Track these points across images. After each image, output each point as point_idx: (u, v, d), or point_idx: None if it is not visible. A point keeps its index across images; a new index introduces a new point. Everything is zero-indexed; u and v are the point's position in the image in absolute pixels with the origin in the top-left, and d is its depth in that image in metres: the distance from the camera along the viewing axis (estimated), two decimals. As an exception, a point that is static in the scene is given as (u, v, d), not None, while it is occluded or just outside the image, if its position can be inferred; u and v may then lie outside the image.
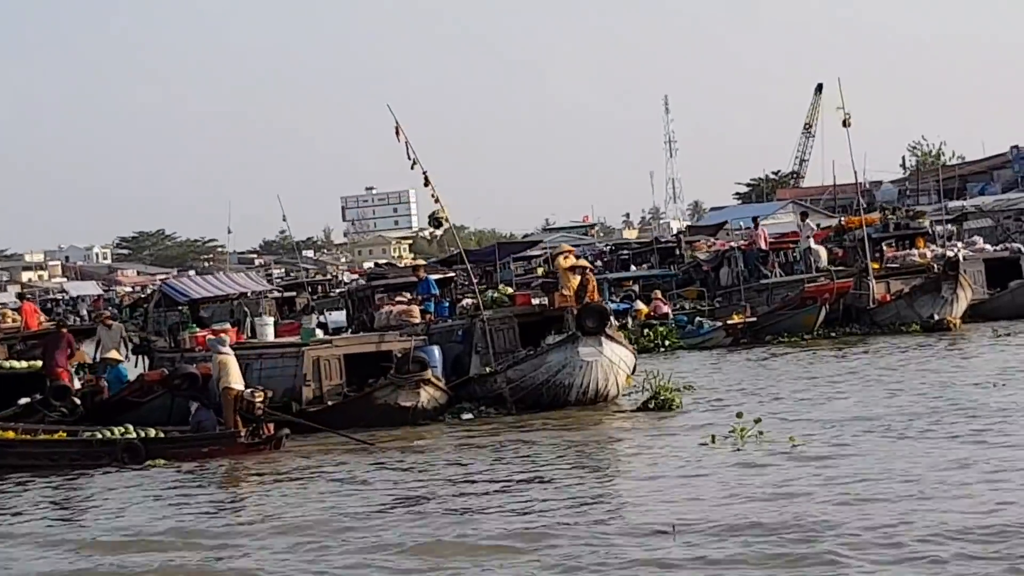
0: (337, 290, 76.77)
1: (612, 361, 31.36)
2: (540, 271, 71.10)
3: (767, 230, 51.79)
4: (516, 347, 32.60)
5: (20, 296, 54.94)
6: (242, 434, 28.77)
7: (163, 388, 32.03)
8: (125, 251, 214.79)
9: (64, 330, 35.21)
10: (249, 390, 29.19)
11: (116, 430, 29.56)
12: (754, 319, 44.42)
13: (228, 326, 35.47)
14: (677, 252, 71.10)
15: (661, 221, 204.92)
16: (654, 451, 25.75)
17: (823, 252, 48.46)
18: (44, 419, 31.94)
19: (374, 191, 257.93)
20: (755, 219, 54.20)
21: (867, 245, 45.82)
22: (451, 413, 31.54)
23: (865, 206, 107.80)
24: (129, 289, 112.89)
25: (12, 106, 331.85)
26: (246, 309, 38.24)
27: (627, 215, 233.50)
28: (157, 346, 36.92)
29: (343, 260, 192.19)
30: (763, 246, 48.55)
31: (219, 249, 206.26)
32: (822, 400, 30.81)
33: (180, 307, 38.15)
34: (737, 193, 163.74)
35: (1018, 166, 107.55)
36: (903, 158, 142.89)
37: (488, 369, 32.04)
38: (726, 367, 38.97)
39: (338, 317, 34.52)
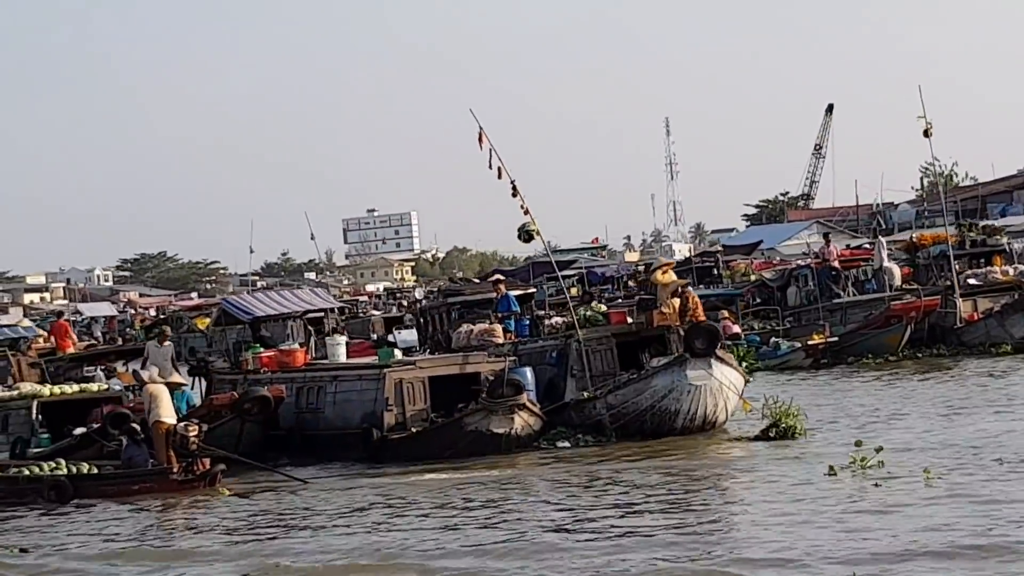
0: (369, 311, 73.96)
1: (722, 384, 28.60)
2: (574, 291, 68.41)
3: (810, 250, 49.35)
4: (614, 370, 29.79)
5: (58, 314, 52.01)
6: (175, 470, 26.67)
7: (232, 413, 29.19)
8: (127, 273, 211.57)
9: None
10: (183, 423, 27.04)
11: (46, 466, 27.40)
12: (835, 339, 41.46)
13: (296, 346, 32.60)
14: (715, 271, 68.40)
15: (663, 244, 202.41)
16: (769, 482, 23.37)
17: (897, 270, 45.67)
18: (103, 450, 29.12)
19: (376, 213, 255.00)
20: (826, 236, 51.35)
21: (952, 261, 42.95)
22: (546, 440, 28.77)
23: (884, 227, 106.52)
24: (144, 310, 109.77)
25: (12, 128, 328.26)
26: (309, 328, 35.29)
27: (628, 237, 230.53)
28: (216, 367, 33.93)
29: (345, 283, 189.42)
30: (835, 264, 45.68)
31: (222, 271, 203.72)
32: (933, 426, 28.43)
33: (241, 325, 35.38)
34: (746, 215, 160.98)
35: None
36: (921, 180, 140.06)
37: (586, 394, 29.16)
38: (813, 390, 36.16)
39: (409, 336, 31.69)
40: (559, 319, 31.95)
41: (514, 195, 29.99)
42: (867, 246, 60.72)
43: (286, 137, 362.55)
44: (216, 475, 26.67)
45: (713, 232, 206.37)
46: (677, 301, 30.12)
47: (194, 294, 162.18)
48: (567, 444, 28.67)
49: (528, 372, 29.11)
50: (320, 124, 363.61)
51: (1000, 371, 37.04)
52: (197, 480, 26.58)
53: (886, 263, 45.66)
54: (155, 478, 26.72)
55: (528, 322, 33.29)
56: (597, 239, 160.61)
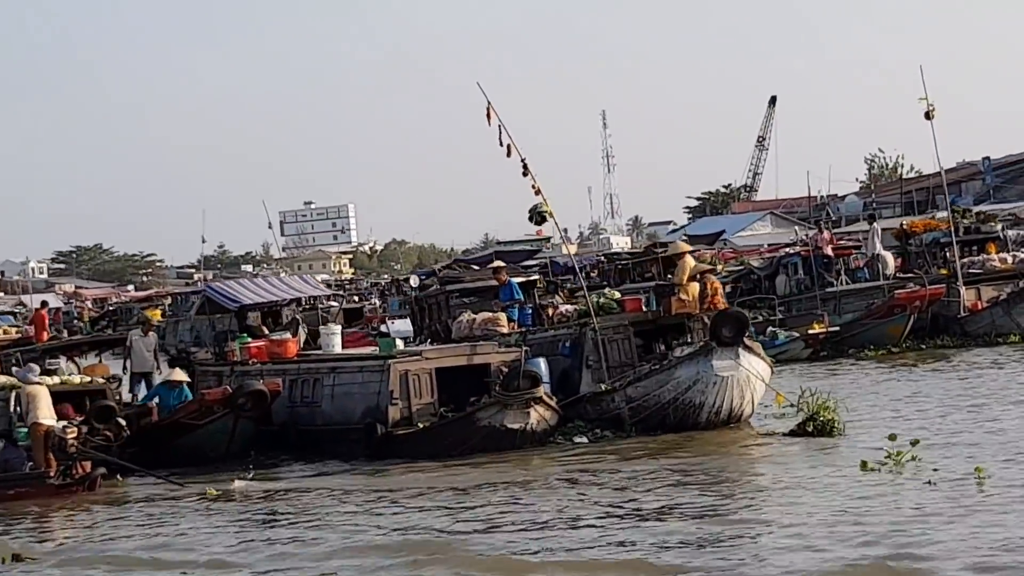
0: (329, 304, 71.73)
1: (750, 375, 26.66)
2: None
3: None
4: (632, 360, 27.83)
5: (42, 303, 49.57)
6: (52, 474, 24.75)
7: (225, 409, 27.08)
8: (62, 265, 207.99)
9: None
10: (61, 424, 25.28)
11: None
12: (836, 329, 39.51)
13: (289, 335, 30.50)
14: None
15: (601, 236, 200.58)
16: (813, 482, 21.33)
17: (891, 258, 43.85)
18: (86, 444, 26.88)
19: (313, 205, 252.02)
20: (818, 223, 49.47)
21: (955, 248, 41.15)
22: (563, 435, 26.81)
23: (832, 218, 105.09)
24: (84, 302, 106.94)
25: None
26: (297, 317, 33.17)
27: (565, 230, 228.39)
28: (198, 358, 31.75)
29: (283, 275, 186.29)
30: (828, 252, 43.78)
31: (158, 263, 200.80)
32: (957, 419, 26.64)
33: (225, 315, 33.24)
34: (688, 207, 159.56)
35: (990, 178, 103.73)
36: (869, 171, 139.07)
37: (604, 386, 27.18)
38: (817, 382, 34.15)
39: (402, 326, 29.63)
40: (569, 307, 29.94)
41: (525, 174, 27.99)
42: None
43: (220, 129, 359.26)
44: (96, 479, 24.92)
45: (651, 225, 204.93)
46: (696, 287, 28.23)
47: (131, 287, 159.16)
48: (585, 440, 26.73)
49: (542, 363, 27.13)
50: (256, 116, 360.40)
51: (1012, 361, 35.31)
52: (76, 484, 24.77)
53: (880, 251, 43.85)
54: (32, 482, 24.79)
55: (531, 311, 31.33)
56: (541, 231, 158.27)
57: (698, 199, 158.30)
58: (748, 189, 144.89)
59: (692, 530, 18.28)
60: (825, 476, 21.48)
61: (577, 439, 26.68)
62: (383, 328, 32.19)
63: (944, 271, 43.10)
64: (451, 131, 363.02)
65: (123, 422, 27.06)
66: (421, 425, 26.41)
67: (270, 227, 61.10)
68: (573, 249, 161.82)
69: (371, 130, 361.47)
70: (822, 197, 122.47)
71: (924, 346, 39.83)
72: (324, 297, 33.52)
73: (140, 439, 27.68)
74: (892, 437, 22.85)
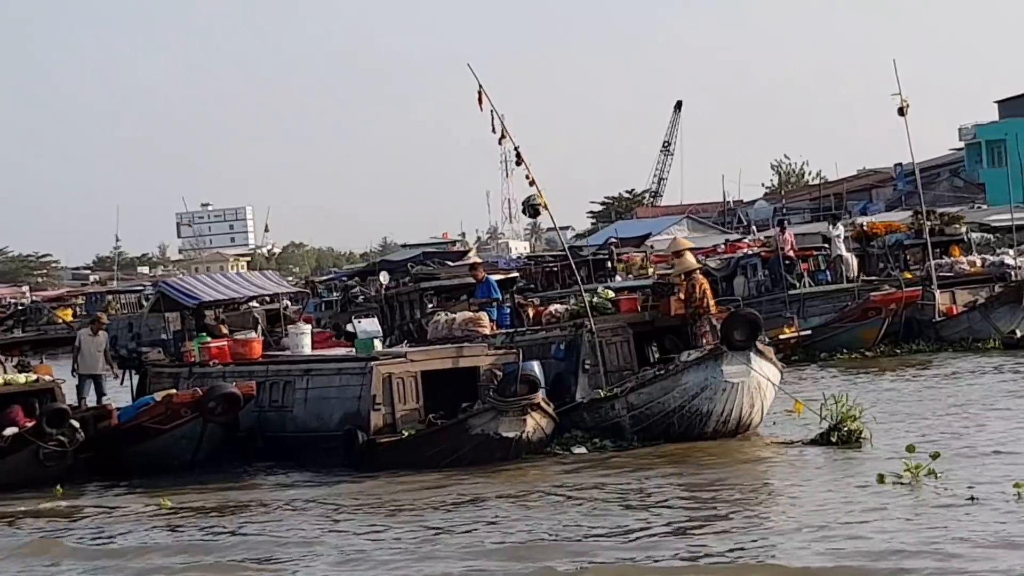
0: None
1: (760, 382, 24.57)
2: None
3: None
4: (631, 364, 25.67)
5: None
6: None
7: (194, 412, 24.66)
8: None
9: None
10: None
11: None
12: (808, 332, 37.49)
13: (254, 334, 28.09)
14: (609, 265, 64.52)
15: (499, 241, 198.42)
16: (845, 497, 19.31)
17: (854, 260, 41.96)
18: (39, 452, 24.46)
19: (210, 207, 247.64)
20: (781, 222, 47.45)
21: (929, 251, 39.25)
22: (560, 446, 24.59)
23: (744, 223, 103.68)
24: None
25: None
26: (256, 316, 30.68)
27: (463, 234, 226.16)
28: (150, 359, 29.19)
29: (179, 276, 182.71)
30: (791, 253, 41.79)
31: (53, 264, 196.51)
32: (959, 429, 24.82)
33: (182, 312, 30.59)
34: (591, 212, 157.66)
35: (902, 184, 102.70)
36: (780, 176, 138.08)
37: (602, 392, 24.99)
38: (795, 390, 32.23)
39: (369, 327, 27.29)
40: (559, 307, 27.68)
41: (518, 163, 25.77)
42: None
43: (116, 127, 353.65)
44: None
45: (549, 230, 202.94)
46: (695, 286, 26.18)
47: (25, 288, 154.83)
48: (584, 450, 24.54)
49: (536, 366, 24.84)
50: (154, 116, 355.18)
51: (995, 367, 33.48)
52: None
53: (843, 252, 41.97)
54: None
55: (509, 310, 29.10)
56: (447, 234, 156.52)
57: (602, 204, 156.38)
58: (653, 194, 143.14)
59: (719, 548, 16.57)
60: (866, 494, 19.39)
61: (576, 449, 24.53)
62: (348, 328, 29.73)
63: (908, 274, 41.33)
64: (348, 134, 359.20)
65: (77, 425, 24.64)
66: (406, 433, 24.12)
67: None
68: (473, 252, 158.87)
69: (268, 132, 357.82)
70: (729, 203, 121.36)
71: (899, 351, 37.97)
72: (288, 295, 30.98)
73: (97, 444, 25.21)
74: (911, 448, 20.87)
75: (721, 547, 16.63)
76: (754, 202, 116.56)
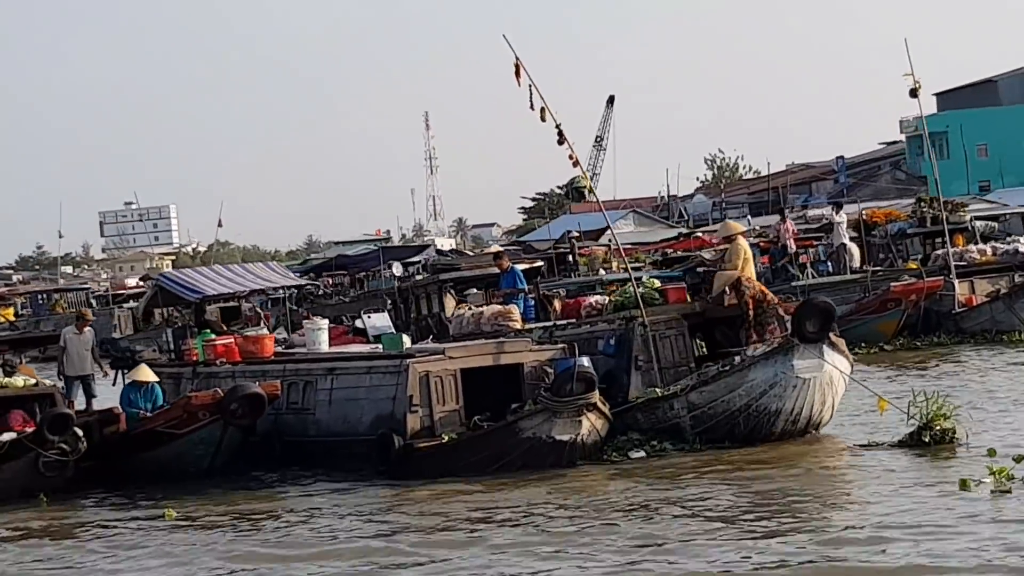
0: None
1: (832, 377, 22.29)
2: (419, 278, 61.81)
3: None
4: (687, 360, 23.28)
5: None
6: None
7: (213, 415, 22.06)
8: None
9: None
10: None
11: None
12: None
13: (265, 330, 25.52)
14: (571, 259, 62.21)
15: (425, 238, 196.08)
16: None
17: (856, 250, 39.80)
18: (39, 461, 21.83)
19: (133, 206, 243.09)
20: (781, 212, 45.13)
21: (947, 239, 37.03)
22: (614, 449, 22.16)
23: (685, 217, 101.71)
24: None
25: None
26: (259, 311, 28.10)
27: (388, 232, 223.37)
28: (145, 358, 26.57)
29: (104, 276, 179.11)
30: (791, 244, 39.56)
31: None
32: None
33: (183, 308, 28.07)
34: (523, 208, 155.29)
35: (843, 177, 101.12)
36: (717, 170, 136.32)
37: (659, 391, 22.60)
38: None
39: (380, 322, 24.80)
40: (599, 298, 25.29)
41: (560, 142, 23.31)
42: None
43: (38, 124, 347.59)
44: None
45: (475, 227, 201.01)
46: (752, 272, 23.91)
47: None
48: (642, 454, 22.14)
49: (586, 362, 22.38)
50: (76, 112, 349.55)
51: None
52: None
53: (846, 242, 39.76)
54: None
55: (533, 302, 26.67)
56: (380, 231, 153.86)
57: (532, 200, 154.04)
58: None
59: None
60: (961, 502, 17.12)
61: (633, 454, 22.13)
62: (358, 323, 27.24)
63: (913, 264, 39.22)
64: (273, 128, 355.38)
65: (80, 433, 22.02)
66: (446, 437, 21.60)
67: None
68: (449, 243, 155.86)
69: (192, 129, 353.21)
70: (663, 198, 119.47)
71: (918, 344, 35.77)
72: (294, 288, 28.45)
73: (104, 451, 22.63)
74: (991, 452, 18.70)
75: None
76: (691, 196, 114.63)
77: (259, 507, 20.86)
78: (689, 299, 24.50)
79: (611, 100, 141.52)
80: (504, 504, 19.45)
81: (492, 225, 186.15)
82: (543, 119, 23.14)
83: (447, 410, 21.89)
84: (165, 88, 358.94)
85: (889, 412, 21.75)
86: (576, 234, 68.12)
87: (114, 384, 27.25)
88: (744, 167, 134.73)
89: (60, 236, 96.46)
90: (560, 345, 22.87)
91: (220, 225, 68.49)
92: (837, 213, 41.15)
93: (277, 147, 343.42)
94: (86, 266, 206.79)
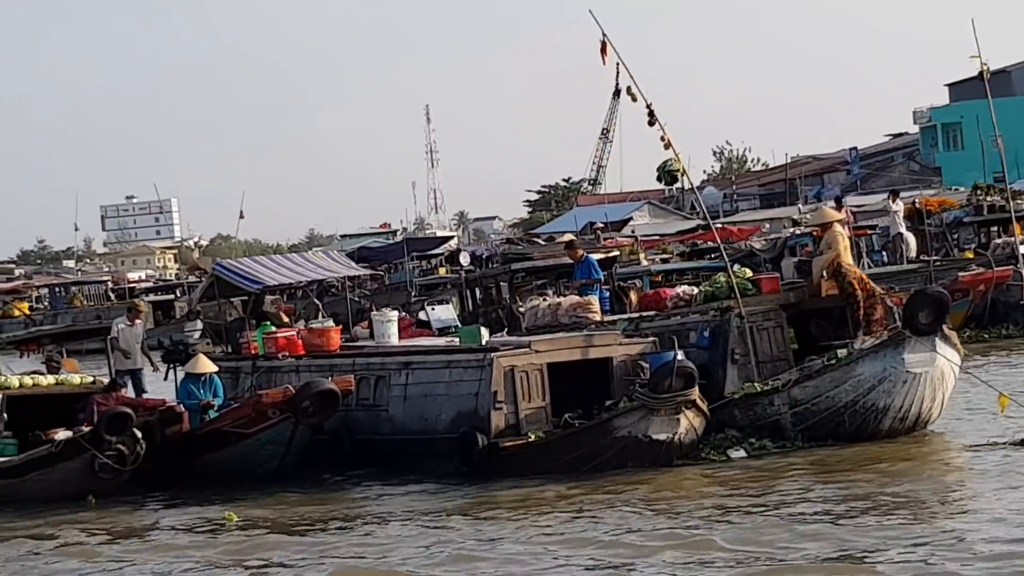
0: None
1: (944, 372, 20.74)
2: (442, 271, 60.33)
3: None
4: (786, 353, 21.68)
5: None
6: None
7: (284, 413, 20.45)
8: None
9: None
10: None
11: None
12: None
13: (331, 323, 23.93)
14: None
15: (427, 232, 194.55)
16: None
17: (912, 239, 38.20)
18: (95, 463, 20.23)
19: (135, 200, 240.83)
20: (838, 199, 43.41)
21: (1014, 227, 35.32)
22: (712, 448, 20.56)
23: (697, 210, 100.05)
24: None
25: None
26: (316, 301, 26.46)
27: (388, 224, 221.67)
28: (199, 351, 24.91)
29: (106, 270, 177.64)
30: (847, 231, 37.82)
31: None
32: None
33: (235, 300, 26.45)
34: (528, 201, 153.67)
35: (857, 168, 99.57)
36: (727, 162, 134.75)
37: (759, 386, 21.01)
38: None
39: (444, 314, 23.20)
40: (687, 287, 23.72)
41: (651, 123, 21.69)
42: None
43: (43, 118, 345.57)
44: None
45: (476, 220, 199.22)
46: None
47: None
48: (742, 453, 20.57)
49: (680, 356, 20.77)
50: (75, 108, 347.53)
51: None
52: None
53: (903, 231, 38.14)
54: None
55: (608, 293, 25.09)
56: (386, 224, 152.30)
57: (538, 192, 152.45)
58: (592, 182, 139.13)
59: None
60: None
61: (733, 452, 20.55)
62: (421, 316, 25.63)
63: (969, 253, 37.61)
64: (271, 125, 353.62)
65: (139, 434, 20.43)
66: (532, 436, 20.03)
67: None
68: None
69: (193, 124, 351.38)
70: (670, 190, 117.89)
71: (987, 335, 34.11)
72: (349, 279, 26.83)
73: (166, 452, 21.04)
74: None
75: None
76: (701, 188, 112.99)
77: (334, 510, 19.41)
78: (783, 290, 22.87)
79: (617, 92, 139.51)
80: (601, 506, 18.03)
81: (494, 218, 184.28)
82: (633, 98, 21.58)
83: (533, 407, 20.39)
84: (165, 83, 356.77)
85: (975, 407, 20.27)
86: (601, 225, 66.65)
87: (165, 379, 25.65)
88: (752, 159, 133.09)
89: (76, 229, 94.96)
90: (651, 338, 21.29)
91: (242, 217, 67.00)
92: (894, 201, 39.49)
93: (275, 141, 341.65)
94: (88, 260, 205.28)
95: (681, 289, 23.52)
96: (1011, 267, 34.29)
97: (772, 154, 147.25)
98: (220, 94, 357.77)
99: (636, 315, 23.11)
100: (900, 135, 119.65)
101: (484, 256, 67.69)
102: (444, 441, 20.59)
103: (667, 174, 21.78)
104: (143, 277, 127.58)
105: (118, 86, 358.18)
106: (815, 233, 26.75)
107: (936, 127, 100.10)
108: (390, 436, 21.65)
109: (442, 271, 60.41)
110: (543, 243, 29.81)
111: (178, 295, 66.45)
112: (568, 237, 26.35)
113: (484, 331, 21.97)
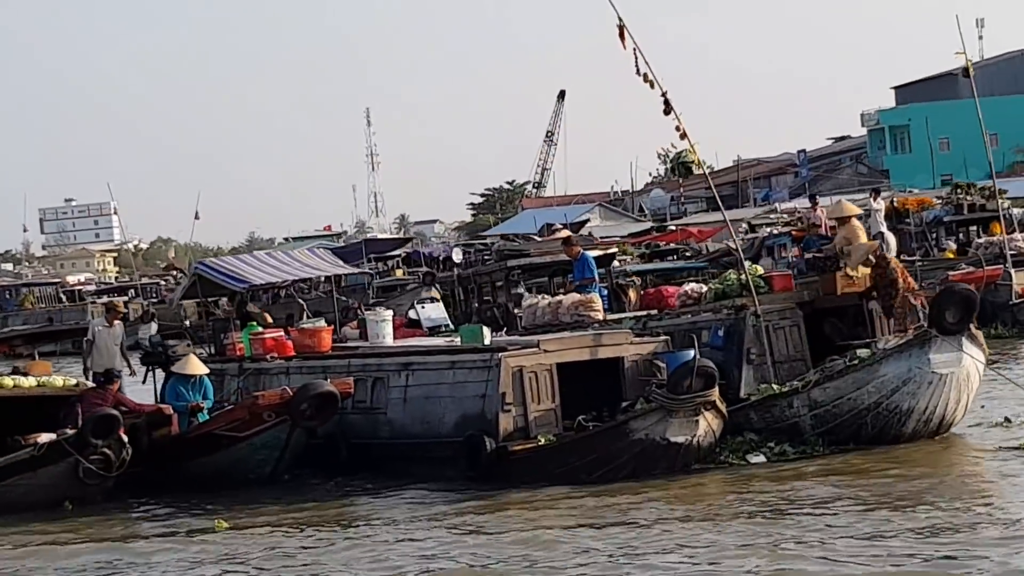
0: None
1: (969, 372, 19.84)
2: (399, 273, 59.41)
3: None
4: (802, 353, 20.70)
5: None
6: None
7: (280, 416, 19.30)
8: None
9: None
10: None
11: None
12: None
13: (323, 323, 22.79)
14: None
15: (368, 235, 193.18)
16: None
17: (893, 239, 37.27)
18: (79, 468, 18.99)
19: (74, 203, 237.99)
20: (813, 197, 42.37)
21: (1004, 226, 34.56)
22: (731, 451, 19.54)
23: (646, 213, 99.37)
24: None
25: None
26: (301, 301, 25.29)
27: (328, 227, 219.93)
28: (179, 353, 23.72)
29: (44, 272, 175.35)
30: (825, 231, 36.96)
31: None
32: None
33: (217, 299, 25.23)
34: (471, 204, 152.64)
35: (805, 171, 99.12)
36: (674, 165, 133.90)
37: (776, 387, 20.02)
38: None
39: (434, 313, 22.12)
40: (695, 285, 22.71)
41: (667, 112, 20.66)
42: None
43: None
44: None
45: (417, 223, 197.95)
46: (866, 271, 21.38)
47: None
48: (762, 458, 19.56)
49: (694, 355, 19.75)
50: (12, 109, 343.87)
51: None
52: None
53: (884, 230, 37.27)
54: None
55: (606, 292, 24.07)
56: (329, 227, 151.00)
57: (482, 195, 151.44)
58: (537, 185, 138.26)
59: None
60: None
61: (752, 457, 19.56)
62: (411, 314, 24.51)
63: (949, 253, 36.83)
64: (210, 127, 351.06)
65: (126, 439, 19.24)
66: (542, 439, 18.98)
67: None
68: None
69: (133, 126, 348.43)
70: (616, 193, 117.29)
71: (978, 335, 33.21)
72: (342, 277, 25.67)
73: (151, 457, 19.85)
74: None
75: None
76: (646, 191, 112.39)
77: (329, 517, 18.34)
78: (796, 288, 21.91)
79: (562, 95, 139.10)
80: (618, 513, 17.07)
81: (435, 222, 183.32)
82: (651, 85, 20.51)
83: (542, 409, 19.42)
84: (102, 85, 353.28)
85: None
86: (560, 226, 65.62)
87: (144, 382, 24.43)
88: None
89: (25, 230, 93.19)
90: (663, 337, 20.29)
91: (197, 218, 65.52)
92: (875, 200, 38.63)
93: (214, 145, 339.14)
94: (27, 263, 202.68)
95: (689, 287, 22.49)
96: (1001, 266, 33.52)
97: (716, 157, 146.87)
98: (160, 99, 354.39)
99: (643, 314, 22.10)
100: (843, 138, 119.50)
101: (442, 257, 66.70)
102: (448, 445, 19.61)
103: (681, 165, 20.98)
104: (83, 280, 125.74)
105: (54, 83, 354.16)
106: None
107: (884, 130, 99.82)
108: (389, 440, 20.68)
109: (399, 273, 59.43)
110: (539, 240, 28.71)
111: (131, 297, 64.99)
112: (565, 233, 25.21)
113: (486, 330, 20.77)
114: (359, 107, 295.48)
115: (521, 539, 15.97)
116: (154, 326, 33.20)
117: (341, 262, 26.53)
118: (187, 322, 55.14)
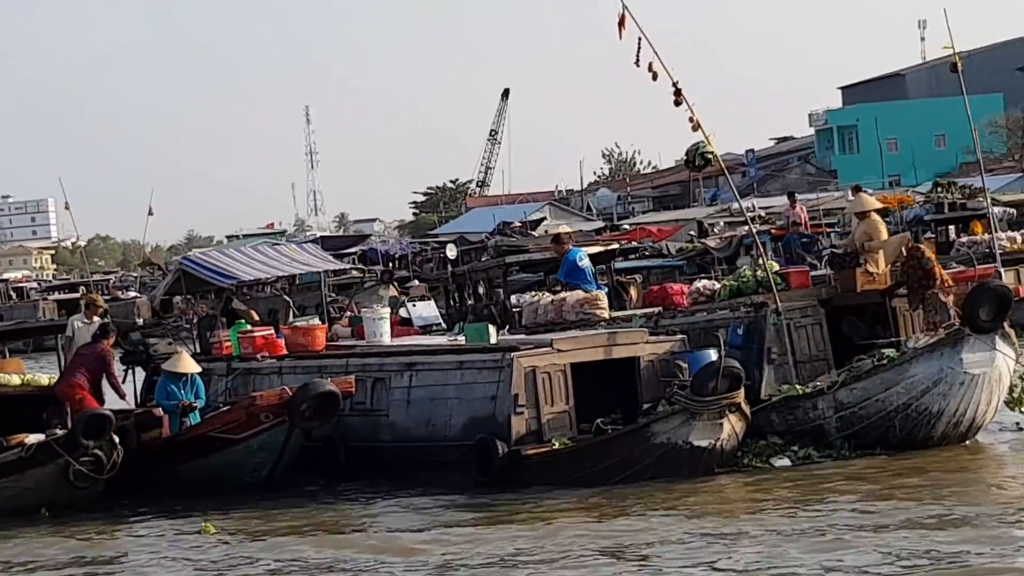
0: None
1: (1001, 373, 18.94)
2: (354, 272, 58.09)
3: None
4: (825, 352, 19.71)
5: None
6: None
7: (278, 418, 18.15)
8: None
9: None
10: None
11: None
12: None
13: (317, 321, 21.64)
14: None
15: (307, 233, 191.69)
16: None
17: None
18: (69, 470, 17.82)
19: (10, 199, 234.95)
20: (791, 195, 41.37)
21: (993, 224, 33.78)
22: (754, 455, 18.58)
23: (593, 211, 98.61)
24: None
25: None
26: (287, 299, 24.10)
27: (271, 225, 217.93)
28: (161, 351, 22.51)
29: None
30: (806, 230, 36.10)
31: None
32: None
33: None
34: (414, 202, 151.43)
35: (753, 171, 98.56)
36: (620, 165, 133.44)
37: (800, 388, 19.04)
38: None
39: (427, 311, 21.05)
40: (707, 282, 21.71)
41: (677, 103, 19.61)
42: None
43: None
44: None
45: (357, 222, 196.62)
46: (881, 256, 20.41)
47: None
48: (787, 462, 18.58)
49: (713, 356, 18.76)
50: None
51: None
52: None
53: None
54: None
55: (608, 289, 23.03)
56: (272, 224, 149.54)
57: (424, 194, 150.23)
58: (480, 184, 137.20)
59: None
60: None
61: (777, 461, 18.58)
62: (402, 313, 23.43)
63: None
64: (154, 126, 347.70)
65: (117, 440, 18.08)
66: (557, 442, 17.94)
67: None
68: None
69: (70, 122, 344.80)
70: (560, 192, 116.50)
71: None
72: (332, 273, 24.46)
73: (141, 460, 18.69)
74: None
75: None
76: (592, 191, 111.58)
77: (328, 523, 17.44)
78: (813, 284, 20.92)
79: (506, 93, 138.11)
80: (641, 522, 16.10)
81: (374, 220, 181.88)
82: (655, 76, 19.43)
83: (556, 411, 18.40)
84: (37, 78, 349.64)
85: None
86: (518, 224, 64.56)
87: (124, 381, 23.17)
88: (641, 162, 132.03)
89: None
90: (679, 336, 19.26)
91: (151, 214, 64.18)
92: (857, 194, 37.69)
93: (152, 142, 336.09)
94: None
95: (701, 284, 21.47)
96: (993, 266, 32.64)
97: (660, 157, 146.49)
98: (97, 93, 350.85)
99: (651, 311, 21.04)
100: (786, 139, 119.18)
101: (396, 255, 65.51)
102: (455, 449, 18.60)
103: (699, 156, 20.28)
104: (20, 277, 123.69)
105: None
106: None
107: (832, 130, 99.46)
108: (391, 443, 19.61)
109: (354, 273, 58.15)
110: (537, 235, 27.64)
111: (82, 294, 63.50)
112: (564, 229, 24.09)
113: (492, 329, 19.67)
114: (298, 105, 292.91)
115: (530, 548, 14.99)
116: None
117: (331, 257, 25.38)
118: (139, 320, 53.86)
